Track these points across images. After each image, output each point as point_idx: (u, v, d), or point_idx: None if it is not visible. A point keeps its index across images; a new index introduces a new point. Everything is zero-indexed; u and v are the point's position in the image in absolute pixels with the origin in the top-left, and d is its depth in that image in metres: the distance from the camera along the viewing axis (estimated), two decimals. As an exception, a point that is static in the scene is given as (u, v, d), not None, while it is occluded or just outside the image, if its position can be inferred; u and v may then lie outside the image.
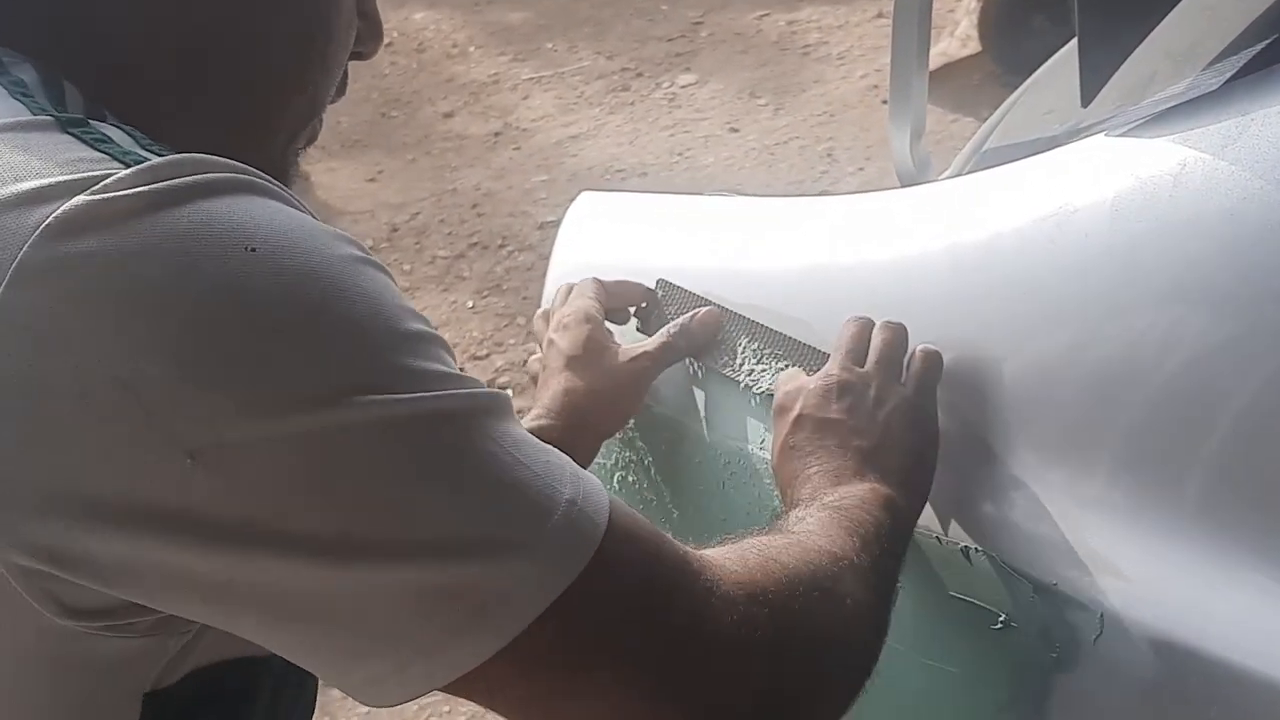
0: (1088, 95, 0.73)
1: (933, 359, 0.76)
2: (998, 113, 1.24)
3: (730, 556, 0.54)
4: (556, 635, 0.45)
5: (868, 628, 0.60)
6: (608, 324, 0.91)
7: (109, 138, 0.47)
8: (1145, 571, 0.66)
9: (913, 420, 0.74)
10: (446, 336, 2.71)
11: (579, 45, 4.43)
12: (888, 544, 0.65)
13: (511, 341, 2.83)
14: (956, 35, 3.69)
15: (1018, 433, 0.73)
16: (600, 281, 0.92)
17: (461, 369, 0.49)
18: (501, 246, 3.26)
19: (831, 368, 0.76)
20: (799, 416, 0.74)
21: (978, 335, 0.76)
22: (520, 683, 0.46)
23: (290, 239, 0.44)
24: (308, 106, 0.59)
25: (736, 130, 3.70)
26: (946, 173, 1.11)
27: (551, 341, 0.88)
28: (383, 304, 0.46)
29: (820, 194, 3.30)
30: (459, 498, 0.45)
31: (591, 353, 0.86)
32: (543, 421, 0.84)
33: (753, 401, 0.86)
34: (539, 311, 0.95)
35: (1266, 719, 0.60)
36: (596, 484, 0.49)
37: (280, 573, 0.43)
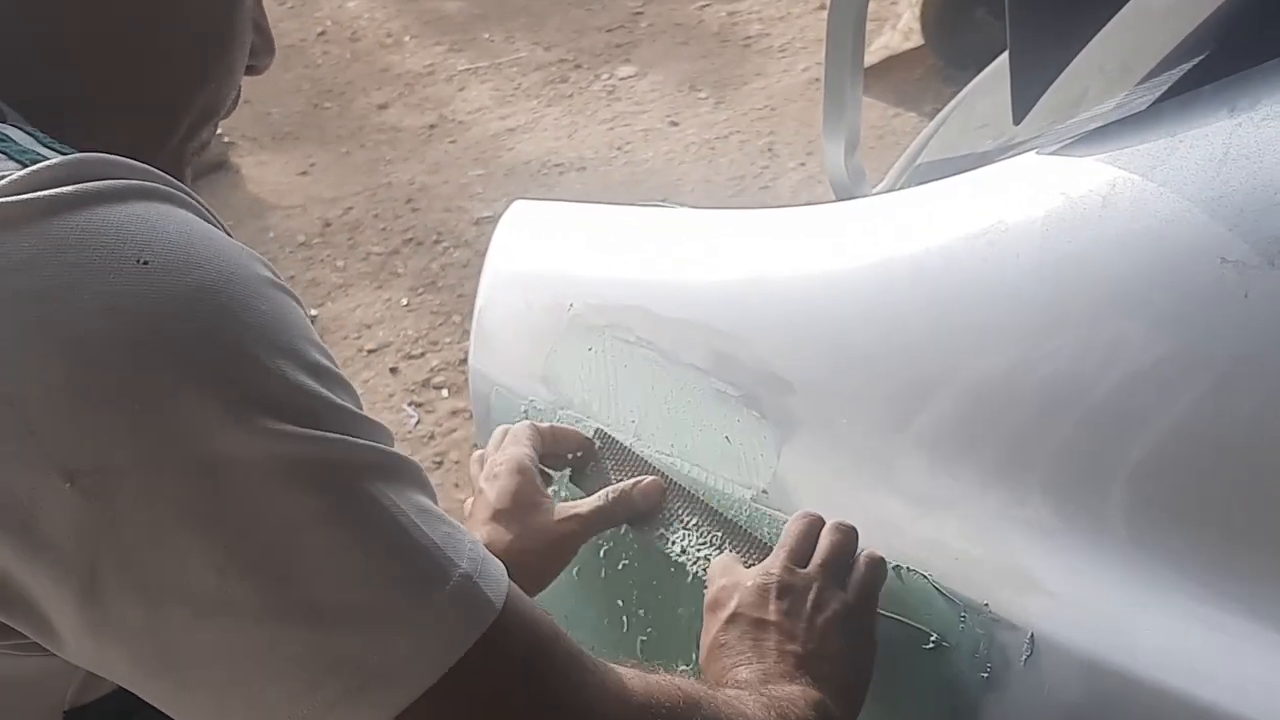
0: (1019, 113, 0.73)
1: (877, 566, 0.73)
2: (931, 125, 1.25)
3: (635, 673, 0.53)
4: (438, 707, 0.43)
5: None
6: (544, 469, 0.87)
7: (7, 137, 0.45)
8: (1075, 592, 0.67)
9: (852, 630, 0.71)
10: (380, 334, 2.64)
11: (516, 36, 4.38)
12: None
13: (447, 340, 2.78)
14: (899, 29, 3.69)
15: (947, 451, 0.73)
16: (536, 427, 0.88)
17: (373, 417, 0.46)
18: (437, 242, 3.20)
19: (772, 565, 0.73)
20: (733, 614, 0.71)
21: (908, 352, 0.76)
22: None
23: (188, 253, 0.42)
24: (208, 106, 0.57)
25: (676, 124, 3.67)
26: (881, 185, 1.11)
27: (481, 490, 0.84)
28: (287, 329, 0.43)
29: (761, 189, 3.29)
30: (352, 559, 0.42)
31: (519, 508, 0.81)
32: None
33: (687, 580, 0.83)
34: (476, 454, 0.90)
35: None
36: (498, 565, 0.47)
37: (149, 620, 0.41)
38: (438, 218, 3.31)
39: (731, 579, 0.73)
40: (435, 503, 0.47)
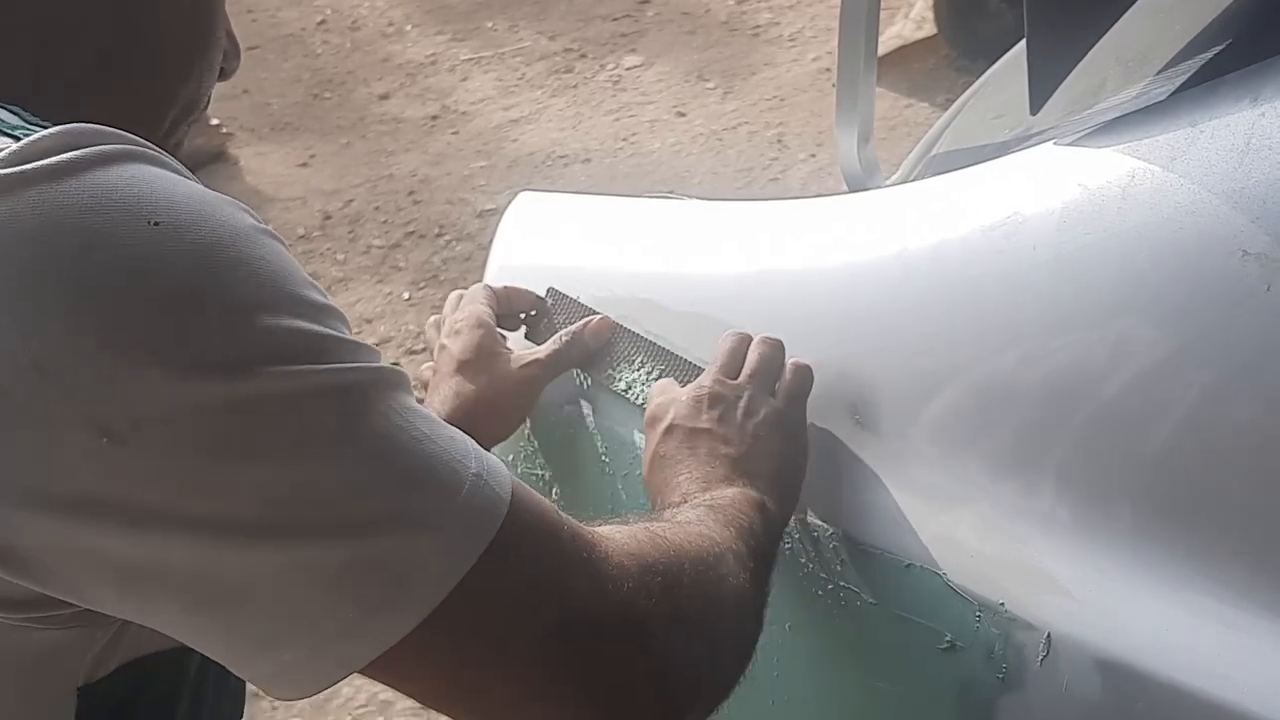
0: (1036, 103, 0.72)
1: (803, 372, 0.78)
2: (947, 115, 1.24)
3: (620, 532, 0.56)
4: (471, 606, 0.46)
5: (749, 611, 0.62)
6: (499, 330, 0.91)
7: None
8: (1093, 591, 0.66)
9: (782, 429, 0.76)
10: (381, 329, 2.62)
11: (520, 24, 4.36)
12: (759, 541, 0.66)
13: (450, 332, 2.77)
14: (911, 17, 3.66)
15: (964, 447, 0.72)
16: (491, 288, 0.93)
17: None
18: (439, 235, 3.19)
19: (704, 380, 0.77)
20: (669, 426, 0.75)
21: (925, 344, 0.75)
22: (436, 658, 0.47)
23: (191, 211, 0.44)
24: (189, 102, 0.60)
25: (684, 115, 3.65)
26: (894, 176, 1.10)
27: (443, 346, 0.89)
28: (288, 274, 0.46)
29: (770, 181, 3.27)
30: (372, 472, 0.45)
31: (483, 358, 0.86)
32: None
33: (638, 414, 0.85)
34: (431, 319, 0.95)
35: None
36: (497, 461, 0.50)
37: (193, 555, 0.43)
38: (440, 210, 3.30)
39: (668, 395, 0.78)
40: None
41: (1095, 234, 0.67)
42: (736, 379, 0.77)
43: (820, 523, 0.77)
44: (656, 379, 0.86)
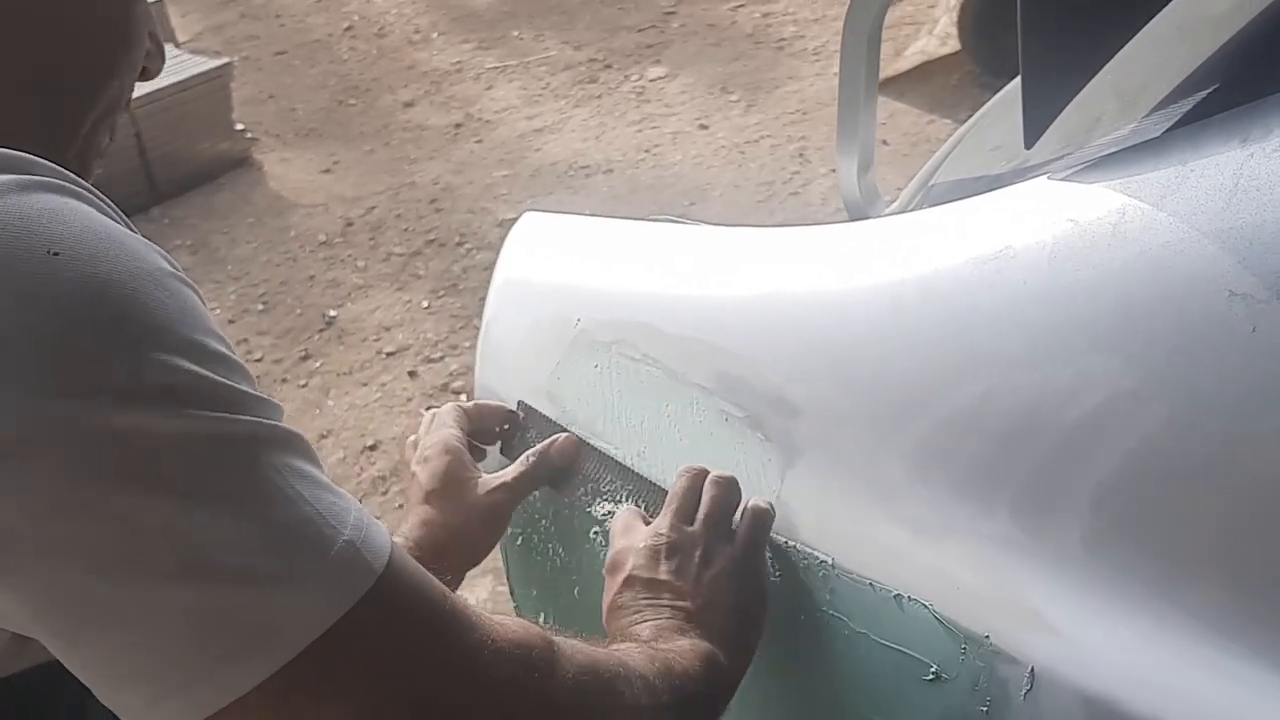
0: (1031, 138, 0.72)
1: (761, 516, 0.78)
2: (947, 145, 1.24)
3: (517, 624, 0.56)
4: (321, 666, 0.46)
5: None
6: (477, 445, 0.92)
7: None
8: (1078, 627, 0.66)
9: (739, 581, 0.75)
10: (400, 337, 2.65)
11: (546, 34, 4.38)
12: (700, 687, 0.67)
13: (467, 344, 2.78)
14: (935, 33, 3.66)
15: (953, 480, 0.72)
16: (462, 407, 0.93)
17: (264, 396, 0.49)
18: (460, 244, 3.21)
19: (661, 525, 0.77)
20: (628, 577, 0.75)
21: (915, 378, 0.75)
22: (288, 714, 0.47)
23: (96, 246, 0.45)
24: (112, 102, 0.60)
25: (706, 127, 3.66)
26: (894, 205, 1.10)
27: (414, 474, 0.89)
28: (187, 319, 0.47)
29: (791, 195, 3.27)
30: (238, 524, 0.46)
31: (449, 485, 0.86)
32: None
33: (603, 538, 0.86)
34: (410, 439, 0.95)
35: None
36: (382, 530, 0.50)
37: (50, 577, 0.44)
38: (461, 219, 3.32)
39: (628, 541, 0.78)
40: (322, 471, 0.50)
41: (1085, 270, 0.68)
42: (692, 524, 0.77)
43: (810, 551, 0.77)
44: (623, 499, 0.86)
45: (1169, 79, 0.74)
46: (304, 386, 2.75)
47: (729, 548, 0.76)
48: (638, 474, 0.86)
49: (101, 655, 0.45)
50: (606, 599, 0.76)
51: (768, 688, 0.80)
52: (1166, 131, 0.68)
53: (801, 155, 3.44)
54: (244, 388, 0.48)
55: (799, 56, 4.03)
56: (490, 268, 3.25)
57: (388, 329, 2.90)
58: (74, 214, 0.45)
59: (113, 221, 0.47)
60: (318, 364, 2.82)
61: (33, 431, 0.43)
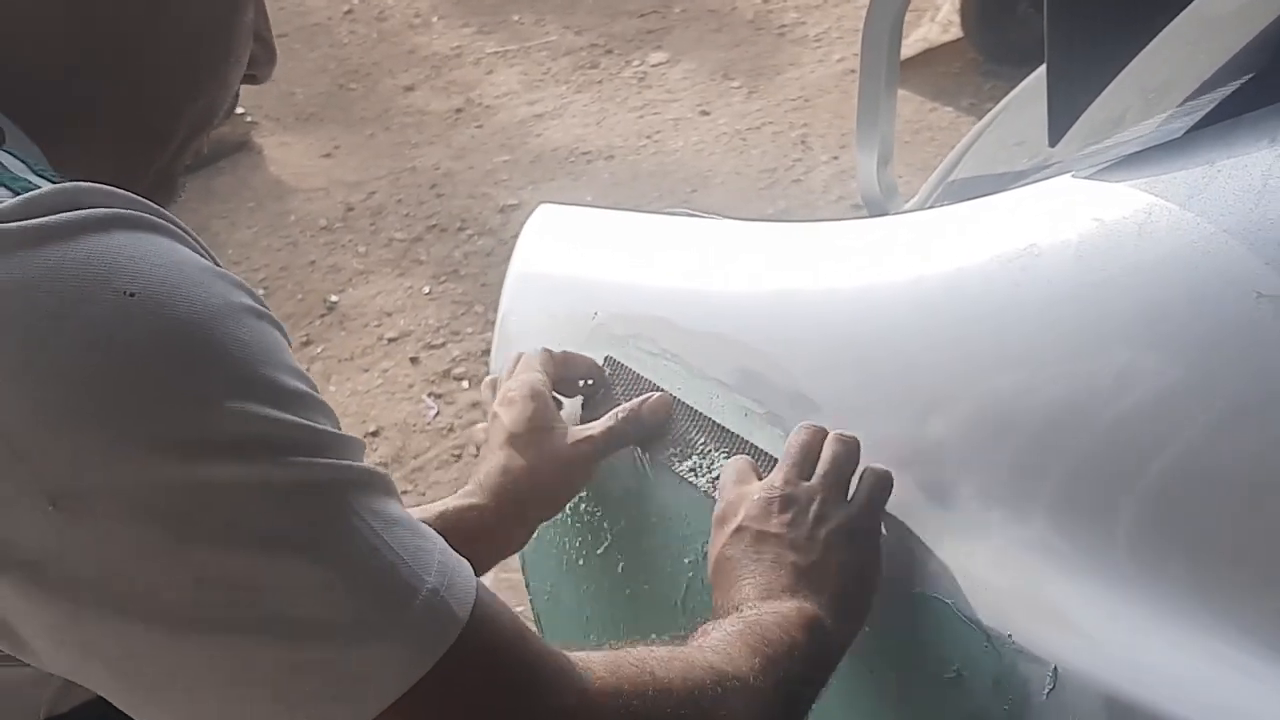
0: (1055, 135, 0.72)
1: (882, 479, 0.75)
2: (967, 138, 1.23)
3: (602, 662, 0.54)
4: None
5: None
6: (556, 395, 0.88)
7: (1, 165, 0.47)
8: (1101, 626, 0.66)
9: (855, 541, 0.73)
10: (401, 323, 2.64)
11: (547, 18, 4.36)
12: (801, 666, 0.64)
13: (469, 330, 2.77)
14: (938, 20, 3.64)
15: (978, 478, 0.72)
16: (550, 353, 0.89)
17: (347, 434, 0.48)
18: (461, 229, 3.20)
19: (775, 479, 0.74)
20: (738, 528, 0.73)
21: (936, 375, 0.75)
22: None
23: (173, 284, 0.43)
24: (200, 120, 0.58)
25: (708, 113, 3.65)
26: (913, 200, 1.10)
27: (496, 415, 0.86)
28: (267, 359, 0.45)
29: (793, 183, 3.27)
30: (320, 575, 0.44)
31: (535, 431, 0.83)
32: (474, 499, 0.82)
33: (701, 497, 0.84)
34: (487, 379, 0.93)
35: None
36: (466, 572, 0.49)
37: (123, 635, 0.43)
38: (462, 204, 3.31)
39: (738, 492, 0.75)
40: (402, 505, 0.49)
41: (1111, 269, 0.67)
42: (809, 479, 0.74)
43: (830, 547, 0.77)
44: (720, 460, 0.83)
45: (1194, 76, 0.73)
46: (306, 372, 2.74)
47: (846, 507, 0.73)
48: (735, 434, 0.83)
49: (182, 711, 0.44)
50: (714, 550, 0.73)
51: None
52: (1193, 130, 0.68)
53: (804, 142, 3.43)
54: (324, 427, 0.46)
55: (800, 43, 4.01)
56: (492, 253, 3.24)
57: (389, 314, 2.89)
58: (152, 251, 0.44)
59: (193, 253, 0.46)
60: (319, 349, 2.81)
61: (106, 484, 0.42)
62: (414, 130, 3.73)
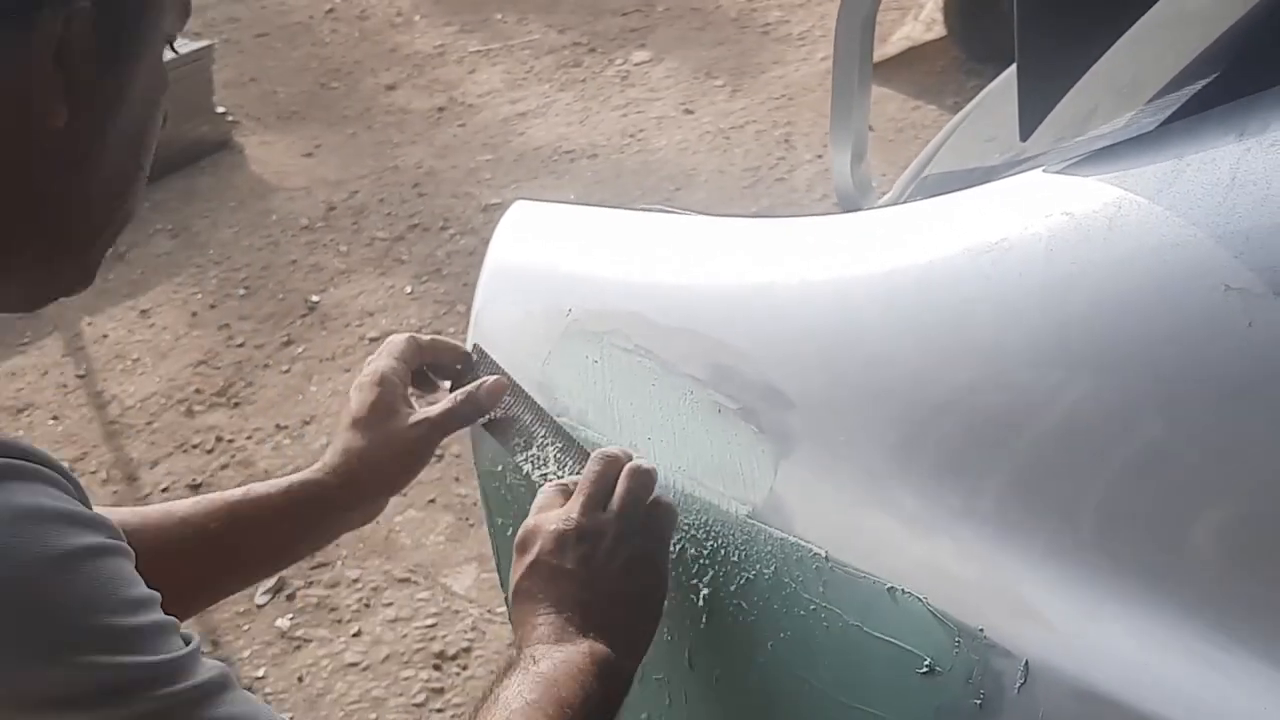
0: (1026, 130, 0.72)
1: (664, 510, 0.79)
2: (940, 135, 1.23)
3: None
4: None
5: None
6: (438, 379, 0.94)
7: None
8: (1072, 620, 0.66)
9: (642, 572, 0.78)
10: (383, 322, 2.64)
11: (529, 17, 4.35)
12: (596, 713, 0.70)
13: (451, 329, 2.77)
14: (921, 19, 3.65)
15: (947, 471, 0.72)
16: (416, 339, 0.94)
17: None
18: (443, 229, 3.19)
19: (573, 509, 0.78)
20: (534, 561, 0.77)
21: (908, 370, 0.75)
22: None
23: (7, 542, 0.46)
24: (126, 216, 0.62)
25: (691, 112, 3.65)
26: (887, 196, 1.10)
27: (349, 398, 0.91)
28: (102, 602, 0.48)
29: (776, 181, 3.27)
30: None
31: (376, 414, 0.88)
32: (319, 475, 0.88)
33: (533, 487, 0.89)
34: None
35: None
36: None
37: None
38: (445, 203, 3.30)
39: (537, 521, 0.79)
40: (242, 687, 0.53)
41: (1081, 263, 0.67)
42: (604, 510, 0.78)
43: (803, 543, 0.77)
44: (552, 452, 0.88)
45: (1164, 72, 0.74)
46: (286, 372, 2.73)
47: (637, 540, 0.77)
48: (566, 432, 0.88)
49: None
50: (513, 578, 0.78)
51: (761, 680, 0.80)
52: (1162, 125, 0.68)
53: (787, 141, 3.44)
54: (162, 657, 0.49)
55: (784, 41, 4.01)
56: (474, 253, 3.24)
57: (371, 314, 2.88)
58: (6, 504, 0.47)
59: (49, 499, 0.49)
60: (300, 349, 2.80)
61: None
62: (396, 129, 3.71)
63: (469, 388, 0.90)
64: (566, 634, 0.73)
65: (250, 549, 0.88)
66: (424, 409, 0.90)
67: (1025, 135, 0.74)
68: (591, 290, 0.94)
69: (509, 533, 0.97)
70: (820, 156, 3.31)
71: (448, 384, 0.95)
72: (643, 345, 0.89)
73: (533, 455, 0.89)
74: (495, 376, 0.91)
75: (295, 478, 0.88)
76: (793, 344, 0.82)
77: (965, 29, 3.53)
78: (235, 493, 0.87)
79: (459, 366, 0.95)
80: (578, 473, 0.85)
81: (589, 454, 0.84)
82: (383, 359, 0.91)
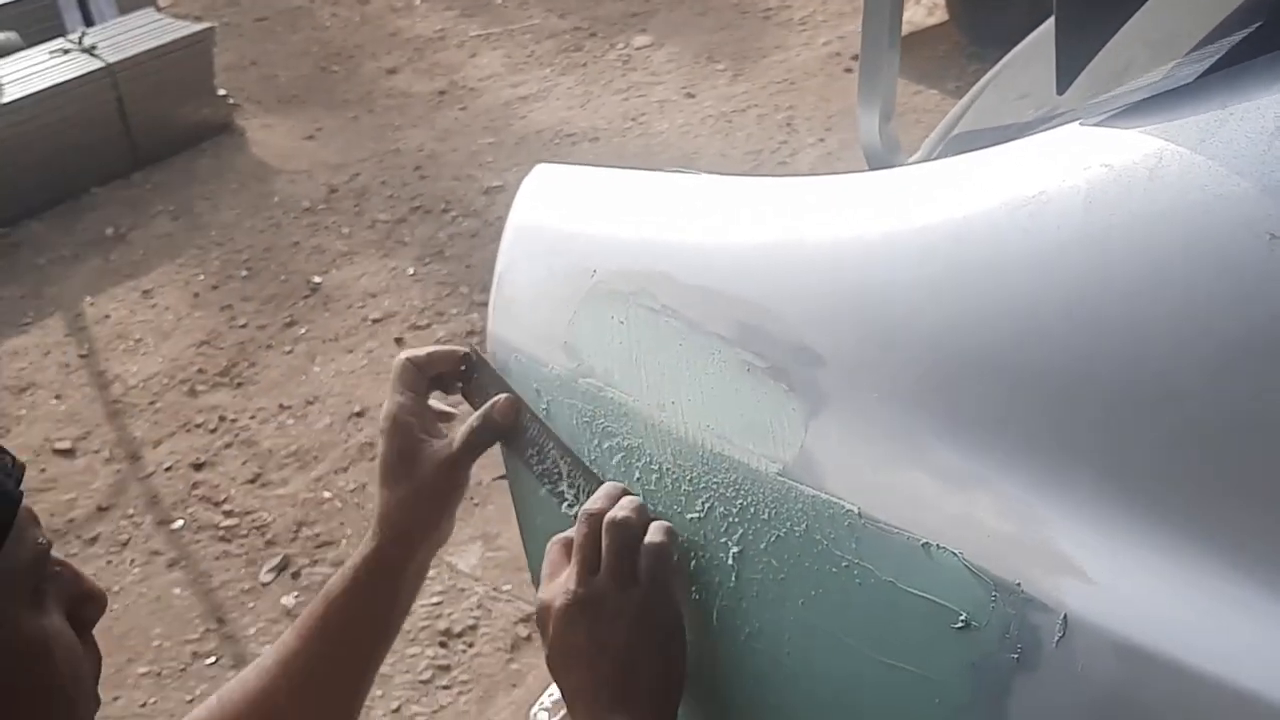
0: (1063, 83, 0.71)
1: (659, 551, 0.79)
2: (970, 94, 1.21)
3: None
4: None
5: None
6: (446, 393, 0.93)
7: None
8: (1111, 573, 0.65)
9: (650, 626, 0.78)
10: (386, 304, 2.65)
11: (530, 2, 4.34)
12: None
13: (454, 311, 2.76)
14: (923, 3, 3.65)
15: (984, 427, 0.71)
16: (413, 362, 0.91)
17: None
18: (445, 211, 3.18)
19: (570, 581, 0.79)
20: (551, 643, 0.78)
21: (944, 325, 0.74)
22: None
23: None
24: None
25: (693, 96, 3.64)
26: (916, 155, 1.09)
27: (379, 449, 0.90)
28: None
29: (778, 165, 3.26)
30: None
31: (402, 463, 0.87)
32: (373, 544, 0.87)
33: (555, 500, 0.89)
34: None
35: (1231, 726, 0.59)
36: None
37: None
38: (446, 186, 3.29)
39: (548, 593, 0.79)
40: None
41: (1121, 214, 0.67)
42: (596, 572, 0.78)
43: (836, 500, 0.77)
44: (563, 470, 0.88)
45: (1202, 24, 0.73)
46: (289, 353, 2.72)
47: (635, 592, 0.77)
48: (569, 448, 0.88)
49: None
50: (546, 651, 0.78)
51: (793, 639, 0.79)
52: (1202, 75, 0.67)
53: (789, 125, 3.43)
54: None
55: (785, 26, 4.00)
56: (476, 235, 3.24)
57: (373, 295, 2.87)
58: None
59: None
60: (303, 330, 2.79)
61: None
62: (397, 113, 3.70)
63: (481, 413, 0.89)
64: (594, 717, 0.75)
65: (354, 644, 0.89)
66: (444, 442, 0.88)
67: (1063, 89, 0.73)
68: (617, 250, 0.93)
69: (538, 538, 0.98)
70: (823, 140, 3.31)
71: (458, 399, 0.94)
72: (670, 305, 0.88)
73: (546, 470, 0.89)
74: (505, 396, 0.90)
75: (354, 559, 0.87)
76: (824, 301, 0.81)
77: (967, 14, 3.53)
78: (314, 608, 0.88)
79: (462, 368, 0.94)
80: (589, 491, 0.85)
81: (595, 474, 0.85)
82: (390, 398, 0.90)
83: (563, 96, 3.70)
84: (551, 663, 0.78)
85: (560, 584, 0.79)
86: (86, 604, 0.65)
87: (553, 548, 0.82)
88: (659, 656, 0.78)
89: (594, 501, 0.82)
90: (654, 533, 0.79)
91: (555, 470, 0.88)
